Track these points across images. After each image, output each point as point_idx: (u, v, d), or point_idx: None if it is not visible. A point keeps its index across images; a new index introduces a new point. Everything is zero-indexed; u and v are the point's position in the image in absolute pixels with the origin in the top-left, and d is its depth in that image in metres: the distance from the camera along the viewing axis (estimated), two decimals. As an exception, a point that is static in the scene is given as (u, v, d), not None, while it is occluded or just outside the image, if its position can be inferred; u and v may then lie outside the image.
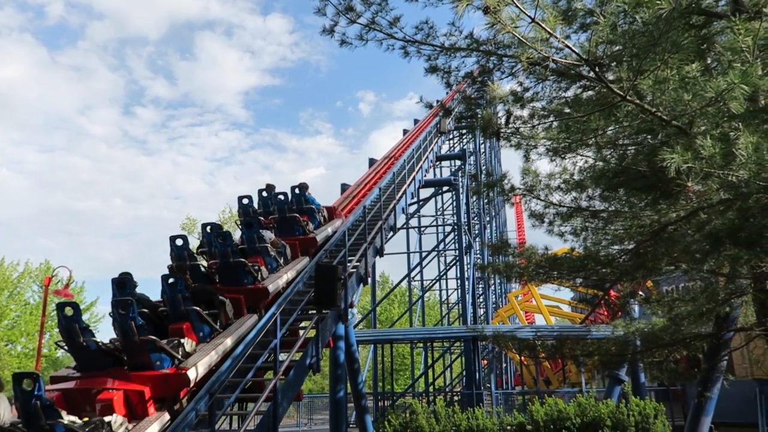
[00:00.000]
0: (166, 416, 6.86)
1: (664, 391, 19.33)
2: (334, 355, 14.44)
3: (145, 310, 7.65)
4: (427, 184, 23.39)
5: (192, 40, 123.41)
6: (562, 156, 7.29)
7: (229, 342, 7.98)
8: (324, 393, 31.42)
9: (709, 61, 6.31)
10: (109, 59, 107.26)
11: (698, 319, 8.25)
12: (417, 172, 18.41)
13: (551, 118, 6.88)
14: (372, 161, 23.00)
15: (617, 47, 5.30)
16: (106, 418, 6.25)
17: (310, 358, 8.89)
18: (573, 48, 4.60)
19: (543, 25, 4.19)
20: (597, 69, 4.70)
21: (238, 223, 11.50)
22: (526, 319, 32.86)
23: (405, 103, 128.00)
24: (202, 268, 9.42)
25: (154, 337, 7.06)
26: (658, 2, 4.34)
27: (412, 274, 29.91)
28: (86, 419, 6.13)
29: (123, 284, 7.75)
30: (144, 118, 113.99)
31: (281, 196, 12.08)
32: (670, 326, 8.64)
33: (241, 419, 8.08)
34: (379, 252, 13.17)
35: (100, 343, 7.21)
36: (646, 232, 7.23)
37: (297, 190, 12.48)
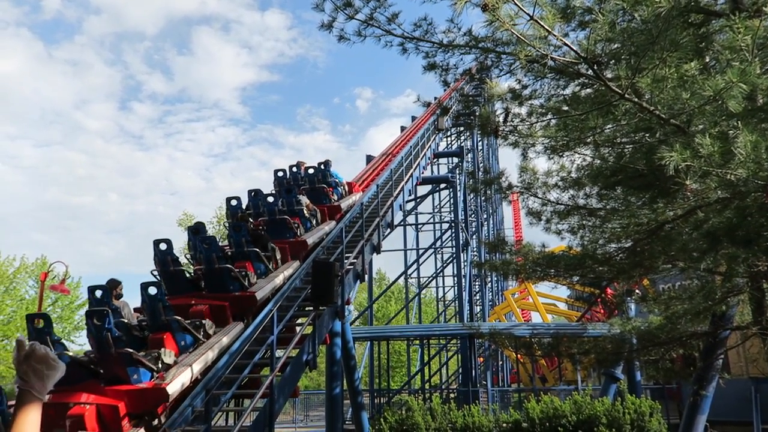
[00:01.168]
0: (241, 325, 8.78)
1: (660, 390, 19.38)
2: (330, 352, 14.45)
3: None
4: (425, 181, 23.39)
5: (189, 35, 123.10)
6: (560, 154, 7.28)
7: (279, 279, 9.97)
8: (320, 390, 31.44)
9: (707, 60, 6.30)
10: (105, 54, 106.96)
11: (695, 317, 8.25)
12: (414, 169, 18.40)
13: (549, 116, 6.87)
14: (369, 158, 22.98)
15: (615, 45, 5.29)
16: (203, 321, 8.14)
17: (307, 355, 8.89)
18: (571, 46, 4.59)
19: (541, 23, 4.18)
20: (595, 67, 4.69)
21: (272, 192, 13.15)
22: (523, 317, 32.87)
23: (402, 100, 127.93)
24: (251, 225, 11.11)
25: (230, 266, 9.03)
26: (656, 0, 4.33)
27: (409, 271, 29.92)
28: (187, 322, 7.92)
29: (197, 230, 9.73)
30: (140, 114, 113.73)
31: (311, 170, 13.98)
32: (666, 324, 8.64)
33: (237, 415, 8.08)
34: (376, 249, 13.17)
35: (185, 272, 9.29)
36: (643, 230, 7.22)
37: (323, 166, 14.25)
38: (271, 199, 11.81)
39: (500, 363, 32.64)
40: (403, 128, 27.30)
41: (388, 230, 15.60)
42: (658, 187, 6.29)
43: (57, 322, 32.61)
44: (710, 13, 6.21)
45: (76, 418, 6.34)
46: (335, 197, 13.93)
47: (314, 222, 12.35)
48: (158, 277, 9.14)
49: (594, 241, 8.32)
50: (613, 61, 5.18)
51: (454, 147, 31.73)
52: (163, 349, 7.25)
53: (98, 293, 7.62)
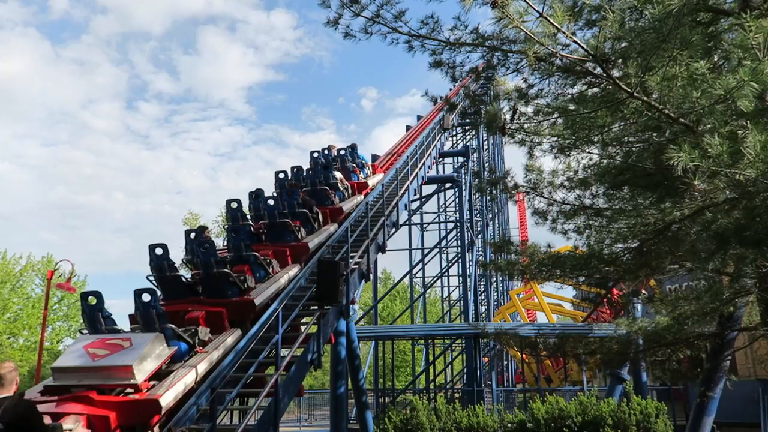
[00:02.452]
0: (298, 266, 10.94)
1: (666, 391, 19.26)
2: (335, 351, 14.42)
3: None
4: (430, 181, 23.33)
5: (195, 35, 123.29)
6: (567, 153, 7.24)
7: (323, 236, 12.11)
8: (325, 389, 31.46)
9: (715, 59, 6.25)
10: (112, 53, 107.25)
11: (702, 318, 8.19)
12: (420, 168, 18.37)
13: (556, 115, 6.83)
14: (375, 157, 22.96)
15: (624, 43, 5.25)
16: (270, 260, 10.32)
17: (312, 354, 8.88)
18: (581, 43, 4.56)
19: (551, 20, 4.15)
20: (604, 65, 4.65)
21: (310, 168, 15.36)
22: (528, 317, 32.78)
23: (407, 100, 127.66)
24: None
25: (288, 221, 11.39)
26: (667, -2, 4.28)
27: (414, 271, 29.88)
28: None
29: (258, 195, 12.19)
30: (147, 113, 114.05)
31: (342, 151, 16.57)
32: (673, 325, 8.58)
33: (242, 414, 8.08)
34: (381, 248, 13.15)
35: (250, 226, 11.32)
36: (650, 230, 7.17)
37: (350, 149, 16.86)
38: (311, 173, 14.16)
39: (505, 363, 32.59)
40: (408, 127, 27.27)
41: (393, 230, 15.60)
42: (665, 187, 6.25)
43: (62, 320, 32.74)
44: (719, 12, 6.16)
45: (194, 318, 8.34)
46: (362, 175, 16.35)
47: (347, 194, 14.67)
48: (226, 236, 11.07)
49: (600, 242, 8.28)
50: (621, 59, 5.14)
51: (460, 146, 31.68)
52: (245, 275, 9.43)
53: (192, 235, 10.16)
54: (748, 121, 4.40)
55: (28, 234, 71.86)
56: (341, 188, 14.38)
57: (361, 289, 17.80)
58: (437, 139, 22.28)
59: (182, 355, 7.64)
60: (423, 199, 27.77)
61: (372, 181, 16.50)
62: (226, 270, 9.12)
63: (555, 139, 6.80)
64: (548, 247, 8.52)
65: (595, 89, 6.73)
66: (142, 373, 6.80)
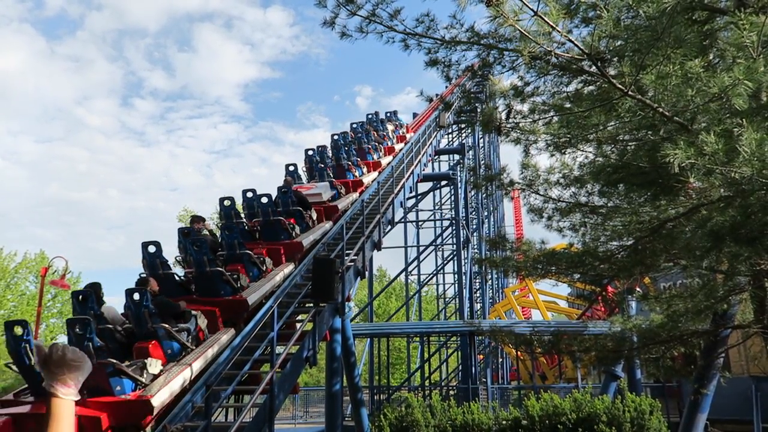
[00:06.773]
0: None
1: (660, 388, 19.36)
2: (330, 349, 14.40)
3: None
4: (426, 178, 23.35)
5: (191, 32, 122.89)
6: (562, 151, 7.25)
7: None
8: (320, 386, 31.44)
9: (710, 58, 6.26)
10: (107, 50, 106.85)
11: (696, 316, 8.21)
12: (415, 165, 18.38)
13: (551, 113, 6.84)
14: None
15: (619, 42, 5.25)
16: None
17: (307, 351, 8.87)
18: (575, 42, 4.56)
19: (546, 19, 4.15)
20: (599, 63, 4.65)
21: (371, 123, 20.33)
22: (523, 315, 32.83)
23: (402, 98, 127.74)
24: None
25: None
26: (662, -4, 4.28)
27: (410, 269, 29.88)
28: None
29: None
30: (142, 110, 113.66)
31: (388, 113, 22.54)
32: (667, 323, 8.60)
33: (237, 411, 8.07)
34: (377, 246, 13.15)
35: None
36: (645, 228, 7.20)
37: (393, 113, 22.83)
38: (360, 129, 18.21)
39: (500, 360, 32.64)
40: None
41: (389, 227, 15.62)
42: (660, 185, 6.26)
43: (56, 317, 32.60)
44: (714, 11, 6.17)
45: None
46: (402, 131, 22.22)
47: (394, 140, 20.29)
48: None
49: (595, 239, 8.29)
50: (616, 58, 5.14)
51: (456, 144, 31.66)
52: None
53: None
54: (743, 119, 4.41)
55: (22, 231, 71.48)
56: (392, 135, 20.10)
57: (356, 286, 17.79)
58: (433, 136, 22.33)
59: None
60: (418, 197, 27.78)
61: (408, 137, 21.72)
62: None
63: (550, 137, 6.81)
64: (543, 243, 8.53)
65: (591, 87, 6.74)
66: (325, 196, 13.06)
